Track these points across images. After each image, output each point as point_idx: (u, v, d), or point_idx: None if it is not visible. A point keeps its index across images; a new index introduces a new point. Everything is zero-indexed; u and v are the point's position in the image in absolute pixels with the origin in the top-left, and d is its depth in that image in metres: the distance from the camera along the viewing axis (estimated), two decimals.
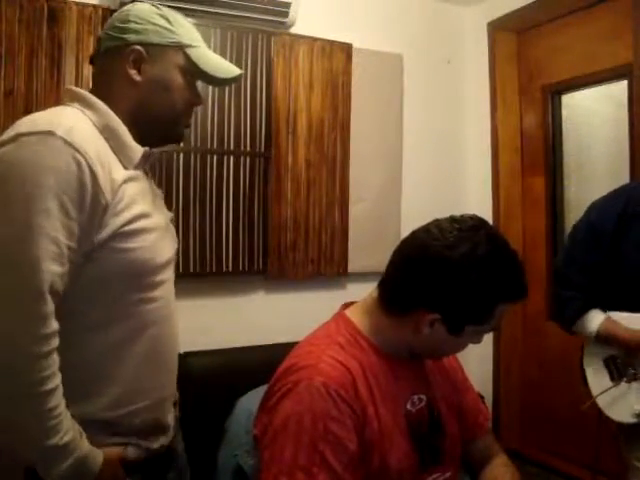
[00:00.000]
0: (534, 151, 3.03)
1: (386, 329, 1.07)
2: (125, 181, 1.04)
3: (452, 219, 1.06)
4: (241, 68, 2.59)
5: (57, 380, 0.96)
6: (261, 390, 1.10)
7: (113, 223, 1.00)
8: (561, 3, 2.74)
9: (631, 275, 1.73)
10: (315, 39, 2.69)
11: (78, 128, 1.01)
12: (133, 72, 1.10)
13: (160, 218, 1.15)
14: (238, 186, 2.53)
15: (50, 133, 0.96)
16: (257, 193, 2.57)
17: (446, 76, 3.13)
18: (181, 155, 2.39)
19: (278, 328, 2.33)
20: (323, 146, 2.71)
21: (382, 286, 1.09)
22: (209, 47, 1.22)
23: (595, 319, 1.77)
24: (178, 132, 1.19)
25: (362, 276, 2.67)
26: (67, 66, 2.25)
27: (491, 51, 3.06)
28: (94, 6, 2.30)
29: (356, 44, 2.80)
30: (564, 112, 2.92)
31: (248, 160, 2.56)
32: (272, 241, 2.59)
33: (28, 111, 2.19)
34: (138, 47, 1.10)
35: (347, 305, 1.16)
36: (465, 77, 3.18)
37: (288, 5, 2.54)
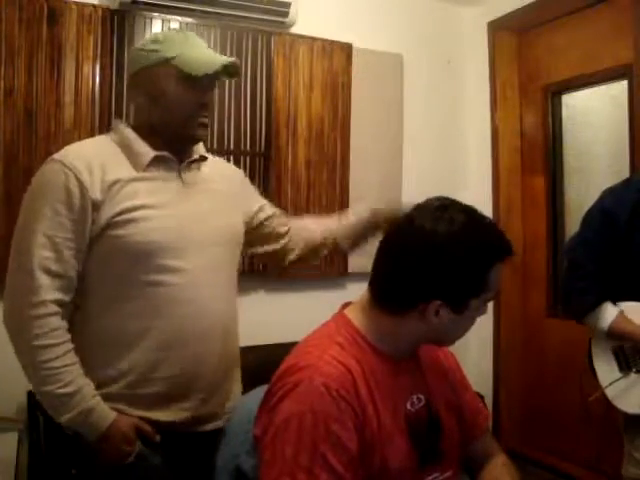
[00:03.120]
0: (534, 151, 3.03)
1: (388, 328, 1.07)
2: (126, 180, 1.27)
3: (418, 207, 1.08)
4: (241, 68, 2.59)
5: (51, 340, 1.19)
6: (261, 390, 1.10)
7: (106, 214, 1.24)
8: (561, 3, 2.73)
9: None
10: (315, 39, 2.70)
11: (76, 150, 1.31)
12: (137, 97, 1.35)
13: (180, 210, 1.31)
14: None
15: (52, 159, 1.28)
16: None
17: (446, 76, 3.13)
18: None
19: (278, 328, 2.33)
20: (323, 146, 2.71)
21: (373, 286, 1.09)
22: (211, 46, 1.39)
23: (608, 314, 1.75)
24: (189, 133, 1.34)
25: (362, 276, 2.63)
26: (67, 66, 2.25)
27: (491, 51, 3.06)
28: (94, 6, 2.30)
29: (356, 44, 2.80)
30: (564, 112, 2.92)
31: (248, 160, 2.56)
32: None
33: (28, 111, 2.20)
34: (135, 75, 1.34)
35: (346, 305, 1.16)
36: (465, 77, 3.18)
37: (288, 5, 2.54)
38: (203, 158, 1.42)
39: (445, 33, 3.14)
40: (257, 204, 1.57)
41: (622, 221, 1.74)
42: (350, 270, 2.77)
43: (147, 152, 1.32)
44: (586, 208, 1.92)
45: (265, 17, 2.54)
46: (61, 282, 1.22)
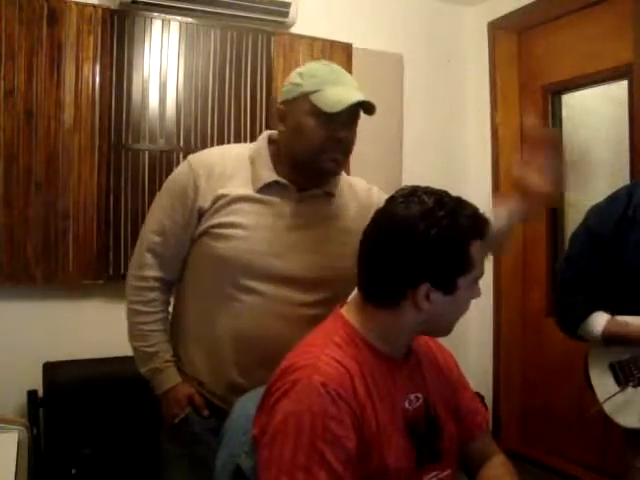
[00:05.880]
0: None
1: (384, 324, 1.07)
2: (233, 197, 1.36)
3: (389, 199, 1.09)
4: (241, 68, 2.61)
5: (146, 308, 1.43)
6: (260, 390, 1.10)
7: (205, 223, 1.36)
8: (561, 3, 2.74)
9: (633, 279, 1.70)
10: (315, 39, 2.70)
11: (208, 154, 1.46)
12: (280, 125, 1.40)
13: (271, 236, 1.36)
14: None
15: (187, 158, 1.44)
16: None
17: (446, 76, 3.14)
18: (181, 155, 2.39)
19: None
20: None
21: (361, 285, 1.10)
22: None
23: (599, 320, 1.74)
24: (320, 166, 1.36)
25: None
26: (67, 66, 2.26)
27: (491, 51, 3.06)
28: (94, 6, 2.30)
29: (356, 44, 2.80)
30: (564, 112, 2.92)
31: None
32: None
33: (28, 111, 2.20)
34: (280, 106, 1.40)
35: (342, 304, 1.16)
36: (465, 77, 3.18)
37: (288, 5, 2.54)
38: (328, 194, 1.43)
39: (445, 33, 3.14)
40: None
41: (607, 239, 1.74)
42: None
43: (264, 175, 1.38)
44: (586, 208, 1.92)
45: (265, 17, 2.54)
46: (164, 263, 1.43)
